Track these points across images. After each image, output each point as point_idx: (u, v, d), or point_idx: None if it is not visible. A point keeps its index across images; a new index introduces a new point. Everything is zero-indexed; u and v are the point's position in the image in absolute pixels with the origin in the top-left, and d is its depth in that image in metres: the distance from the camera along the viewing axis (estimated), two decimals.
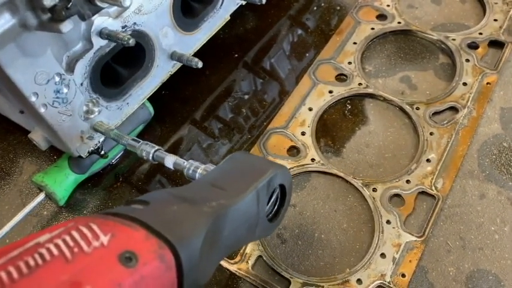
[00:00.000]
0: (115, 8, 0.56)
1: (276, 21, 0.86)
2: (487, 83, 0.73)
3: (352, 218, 0.62)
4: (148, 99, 0.68)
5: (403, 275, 0.56)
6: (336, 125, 0.71)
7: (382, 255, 0.58)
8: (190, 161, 0.54)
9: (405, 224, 0.60)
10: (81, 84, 0.56)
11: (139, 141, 0.57)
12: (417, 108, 0.70)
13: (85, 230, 0.30)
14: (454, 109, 0.71)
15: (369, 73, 0.77)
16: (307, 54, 0.81)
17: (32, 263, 0.28)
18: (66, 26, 0.44)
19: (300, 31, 0.85)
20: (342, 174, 0.65)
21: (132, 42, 0.54)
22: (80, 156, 0.61)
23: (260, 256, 0.59)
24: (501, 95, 0.72)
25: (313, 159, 0.67)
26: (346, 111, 0.72)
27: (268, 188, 0.45)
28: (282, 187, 0.49)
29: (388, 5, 0.84)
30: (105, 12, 0.55)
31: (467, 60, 0.75)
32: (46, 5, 0.42)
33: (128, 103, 0.64)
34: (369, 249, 0.59)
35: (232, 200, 0.41)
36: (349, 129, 0.71)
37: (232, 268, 0.59)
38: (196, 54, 0.72)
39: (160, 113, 0.73)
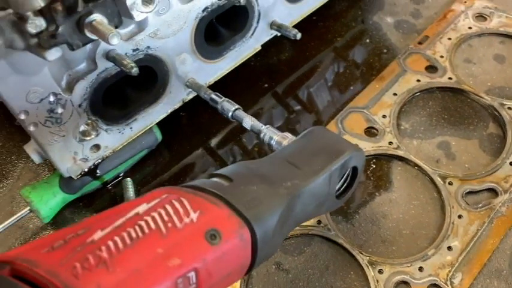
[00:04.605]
0: (127, 30, 0.52)
1: (314, 54, 0.79)
2: None
3: None
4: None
5: None
6: None
7: None
8: (268, 126, 0.55)
9: None
10: (80, 105, 0.53)
11: (222, 98, 0.59)
12: (450, 183, 0.62)
13: (177, 205, 0.34)
14: (493, 191, 0.61)
15: (404, 131, 0.68)
16: (340, 99, 0.74)
17: (133, 234, 0.31)
18: (52, 54, 0.41)
19: (338, 70, 0.78)
20: (348, 246, 0.58)
21: (134, 71, 0.49)
22: (71, 177, 0.58)
23: None
24: None
25: (319, 222, 0.60)
26: (369, 172, 0.65)
27: (341, 169, 0.47)
28: (354, 168, 0.51)
29: (441, 56, 0.75)
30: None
31: None
32: (30, 32, 0.38)
33: (131, 128, 0.60)
34: None
35: (306, 181, 0.44)
36: (368, 193, 0.63)
37: None
38: (217, 82, 0.67)
39: (171, 136, 0.69)
